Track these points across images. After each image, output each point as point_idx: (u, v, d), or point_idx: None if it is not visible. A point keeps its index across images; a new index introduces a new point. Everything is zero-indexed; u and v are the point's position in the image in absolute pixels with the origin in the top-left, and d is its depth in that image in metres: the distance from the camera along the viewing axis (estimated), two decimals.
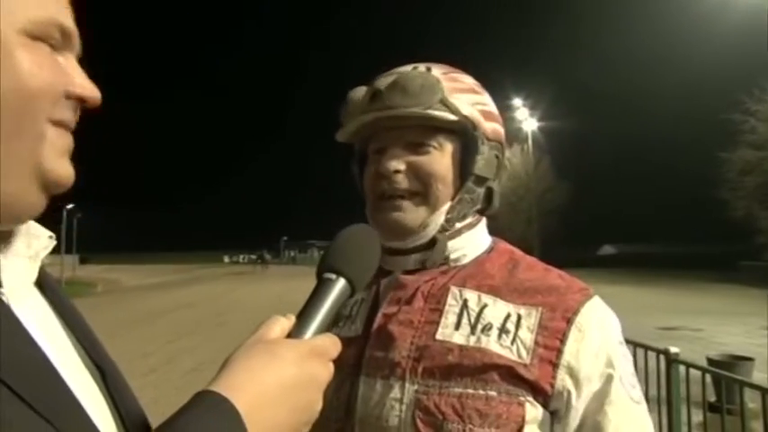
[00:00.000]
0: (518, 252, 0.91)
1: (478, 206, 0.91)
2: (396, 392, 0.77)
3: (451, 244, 0.87)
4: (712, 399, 3.74)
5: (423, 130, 0.85)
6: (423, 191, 0.85)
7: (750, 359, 5.30)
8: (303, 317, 0.58)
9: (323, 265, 0.63)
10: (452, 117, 0.84)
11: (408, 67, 0.88)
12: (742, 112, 26.04)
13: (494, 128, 0.90)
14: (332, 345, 0.57)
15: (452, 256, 0.87)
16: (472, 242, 0.89)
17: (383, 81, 0.86)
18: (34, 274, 0.55)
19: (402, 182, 0.85)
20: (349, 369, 0.81)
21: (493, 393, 0.75)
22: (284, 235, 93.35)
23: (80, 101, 0.53)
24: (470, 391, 0.75)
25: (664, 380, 3.08)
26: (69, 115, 0.53)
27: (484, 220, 0.94)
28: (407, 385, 0.77)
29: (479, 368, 0.76)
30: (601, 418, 0.77)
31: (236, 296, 21.26)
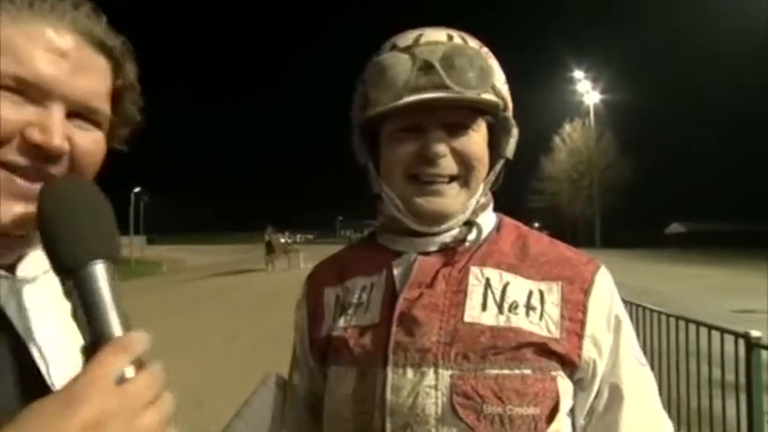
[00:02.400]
0: (522, 226, 0.90)
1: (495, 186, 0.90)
2: (430, 379, 0.74)
3: (449, 226, 0.84)
4: None
5: (465, 112, 0.81)
6: (465, 174, 0.82)
7: None
8: (92, 324, 0.50)
9: (59, 258, 0.51)
10: (497, 100, 0.82)
11: (441, 34, 0.83)
12: None
13: (510, 107, 0.88)
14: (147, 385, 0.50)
15: (470, 237, 0.85)
16: (486, 220, 0.88)
17: (428, 50, 0.79)
18: (47, 263, 0.53)
19: (447, 166, 0.80)
20: (369, 360, 0.78)
21: (528, 372, 0.74)
22: (339, 215, 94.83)
23: (36, 147, 0.54)
24: (506, 371, 0.74)
25: (743, 366, 2.88)
26: (19, 158, 0.54)
27: (492, 198, 0.93)
28: (441, 371, 0.74)
29: (513, 347, 0.75)
30: (615, 380, 0.79)
31: (291, 275, 21.70)
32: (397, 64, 0.80)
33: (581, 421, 0.79)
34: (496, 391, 0.73)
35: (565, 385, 0.76)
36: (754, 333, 2.77)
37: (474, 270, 0.81)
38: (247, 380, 6.26)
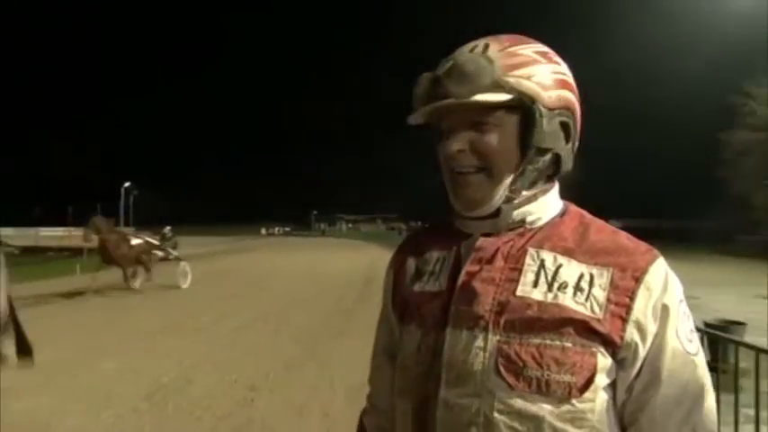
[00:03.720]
0: (587, 215, 0.90)
1: (548, 172, 0.87)
2: (480, 342, 0.79)
3: (527, 208, 0.86)
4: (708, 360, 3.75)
5: (482, 110, 0.83)
6: (486, 166, 0.84)
7: (743, 323, 5.33)
8: None
9: None
10: (505, 97, 0.82)
11: (466, 49, 0.86)
12: (742, 95, 25.21)
13: (558, 95, 0.85)
14: None
15: (528, 219, 0.86)
16: (547, 206, 0.88)
17: (443, 66, 0.85)
18: None
19: (465, 160, 0.84)
20: (434, 321, 0.84)
21: (569, 344, 0.76)
22: (314, 209, 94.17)
23: None
24: (548, 342, 0.76)
25: None
26: None
27: (557, 185, 0.91)
28: (490, 336, 0.78)
29: (557, 322, 0.77)
30: (657, 363, 0.78)
31: (275, 264, 21.58)
32: (422, 81, 0.86)
33: (622, 396, 0.79)
34: (537, 357, 0.76)
35: (604, 361, 0.77)
36: None
37: (531, 251, 0.83)
38: (234, 358, 6.31)
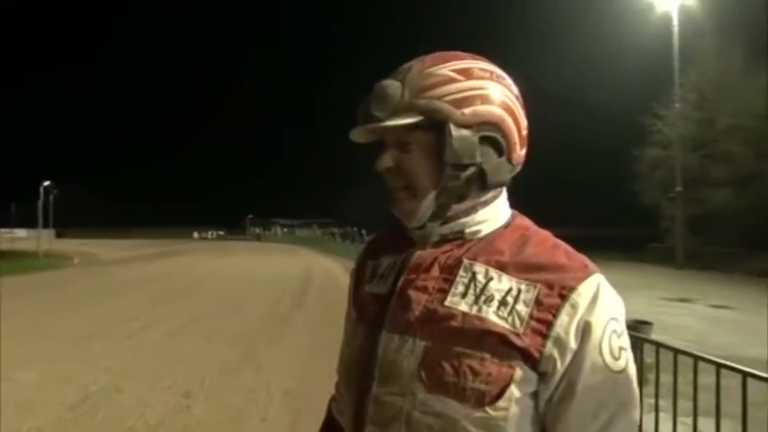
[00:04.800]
0: (532, 227, 0.91)
1: (477, 186, 0.88)
2: (408, 346, 0.83)
3: (464, 220, 0.89)
4: None
5: (402, 131, 0.86)
6: (409, 185, 0.88)
7: (649, 323, 5.87)
8: None
9: None
10: (414, 119, 0.83)
11: (396, 72, 0.89)
12: (652, 115, 27.29)
13: (474, 111, 0.85)
14: None
15: (467, 231, 0.89)
16: (488, 217, 0.89)
17: (376, 89, 0.88)
18: None
19: (392, 179, 0.89)
20: (374, 323, 0.89)
21: (487, 356, 0.78)
22: (249, 213, 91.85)
23: None
24: (468, 351, 0.79)
25: None
26: None
27: (502, 196, 0.92)
28: (417, 341, 0.82)
29: (477, 333, 0.80)
30: (573, 378, 0.79)
31: (208, 268, 20.97)
32: (361, 103, 0.88)
33: (542, 407, 0.81)
34: (456, 365, 0.79)
35: (521, 374, 0.78)
36: None
37: (465, 263, 0.85)
38: (166, 364, 6.13)
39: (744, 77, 24.07)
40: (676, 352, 2.61)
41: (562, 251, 0.86)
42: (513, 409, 0.78)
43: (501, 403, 0.78)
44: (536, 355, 0.78)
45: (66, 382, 5.27)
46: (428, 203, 0.87)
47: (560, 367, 0.78)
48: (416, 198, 0.88)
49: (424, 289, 0.86)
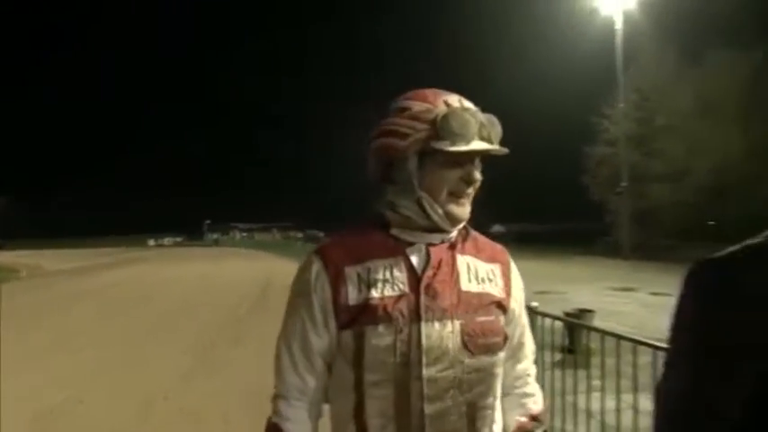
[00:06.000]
0: (469, 228, 1.15)
1: None
2: (449, 328, 1.02)
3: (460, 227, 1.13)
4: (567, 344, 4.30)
5: (485, 155, 1.08)
6: (473, 194, 1.09)
7: (591, 311, 6.26)
8: None
9: None
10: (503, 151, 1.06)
11: (470, 104, 1.07)
12: (599, 115, 28.37)
13: None
14: None
15: (452, 234, 1.11)
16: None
17: (476, 113, 1.04)
18: None
19: (470, 188, 1.07)
20: (405, 318, 1.01)
21: (493, 318, 1.08)
22: (207, 218, 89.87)
23: None
24: (485, 318, 1.06)
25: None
26: None
27: None
28: (455, 321, 1.03)
29: (489, 304, 1.08)
30: (521, 321, 1.18)
31: (165, 276, 20.41)
32: (468, 121, 1.01)
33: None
34: (483, 330, 1.04)
35: (503, 321, 1.11)
36: (534, 304, 3.20)
37: (459, 257, 1.09)
38: (126, 373, 5.98)
39: (676, 79, 25.39)
40: (619, 338, 2.78)
41: (488, 241, 1.18)
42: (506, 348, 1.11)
43: (506, 345, 1.10)
44: (508, 309, 1.13)
45: (22, 396, 5.06)
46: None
47: (516, 314, 1.15)
48: (470, 205, 1.09)
49: (444, 282, 1.05)
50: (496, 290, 1.10)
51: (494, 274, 1.12)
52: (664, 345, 1.01)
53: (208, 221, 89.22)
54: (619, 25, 25.94)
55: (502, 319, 1.10)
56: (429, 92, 1.06)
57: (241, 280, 17.47)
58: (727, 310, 0.75)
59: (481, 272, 1.10)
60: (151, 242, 70.40)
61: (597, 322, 5.60)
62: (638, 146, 26.40)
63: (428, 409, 1.00)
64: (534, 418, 1.18)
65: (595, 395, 3.17)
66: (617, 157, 26.63)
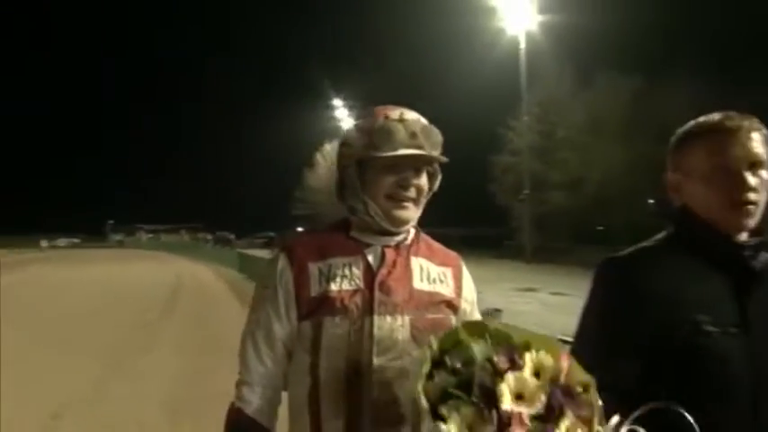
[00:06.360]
0: (420, 232, 1.24)
1: None
2: (399, 321, 1.11)
3: (409, 228, 1.20)
4: None
5: (423, 162, 1.15)
6: (417, 199, 1.16)
7: (500, 310, 6.78)
8: None
9: None
10: (441, 157, 1.14)
11: (414, 113, 1.16)
12: (504, 126, 30.15)
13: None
14: None
15: (407, 236, 1.20)
16: (412, 228, 1.23)
17: (412, 123, 1.12)
18: None
19: (411, 193, 1.14)
20: (360, 312, 1.11)
21: (443, 315, 1.15)
22: (109, 218, 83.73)
23: None
24: (435, 315, 1.14)
25: None
26: None
27: None
28: (405, 316, 1.11)
29: (438, 302, 1.16)
30: (470, 310, 1.23)
31: (65, 279, 18.94)
32: (398, 130, 1.10)
33: None
34: (433, 325, 1.10)
35: (453, 319, 1.16)
36: None
37: (412, 258, 1.17)
38: (31, 383, 5.62)
39: (571, 97, 27.63)
40: None
41: (441, 246, 1.27)
42: None
43: None
44: (459, 308, 1.20)
45: None
46: (417, 214, 1.19)
47: (467, 314, 1.20)
48: (417, 209, 1.17)
49: (398, 280, 1.14)
50: (447, 290, 1.18)
51: (445, 276, 1.20)
52: (568, 338, 1.24)
53: (111, 222, 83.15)
54: (522, 45, 27.71)
55: (453, 318, 1.16)
56: (381, 108, 1.18)
57: (151, 284, 16.69)
58: (622, 299, 1.04)
59: (433, 273, 1.18)
60: (44, 243, 64.21)
61: (504, 321, 6.10)
62: (540, 156, 28.34)
63: (377, 395, 1.07)
64: None
65: None
66: (521, 165, 28.44)
